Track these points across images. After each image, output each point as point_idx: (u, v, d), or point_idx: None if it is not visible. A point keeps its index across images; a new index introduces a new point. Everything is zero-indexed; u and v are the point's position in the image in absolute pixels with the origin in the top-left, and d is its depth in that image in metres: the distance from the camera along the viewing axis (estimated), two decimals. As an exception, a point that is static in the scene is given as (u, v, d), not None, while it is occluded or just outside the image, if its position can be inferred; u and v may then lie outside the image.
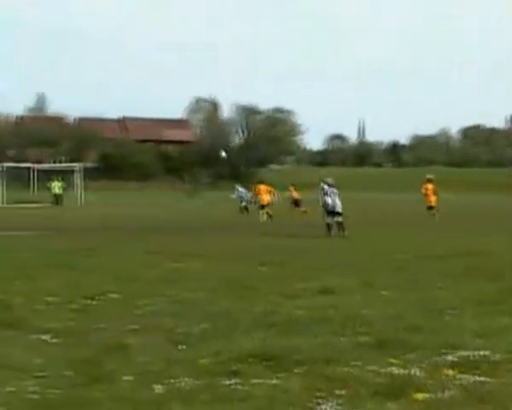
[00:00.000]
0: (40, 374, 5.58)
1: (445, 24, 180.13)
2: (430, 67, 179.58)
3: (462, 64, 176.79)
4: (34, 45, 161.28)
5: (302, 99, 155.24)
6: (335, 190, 21.97)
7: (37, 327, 7.25)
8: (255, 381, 5.43)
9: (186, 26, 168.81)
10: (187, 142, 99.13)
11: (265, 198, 32.27)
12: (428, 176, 34.21)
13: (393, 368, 5.75)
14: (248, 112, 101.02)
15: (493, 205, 44.51)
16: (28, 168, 57.06)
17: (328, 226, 21.15)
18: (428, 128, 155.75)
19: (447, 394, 5.08)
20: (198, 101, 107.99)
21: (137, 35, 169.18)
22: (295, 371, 5.71)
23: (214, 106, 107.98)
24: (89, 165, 77.30)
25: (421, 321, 7.53)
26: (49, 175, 50.91)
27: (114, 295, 9.26)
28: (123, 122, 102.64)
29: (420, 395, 5.05)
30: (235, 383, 5.37)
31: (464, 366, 5.78)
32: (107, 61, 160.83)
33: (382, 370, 5.70)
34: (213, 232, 22.56)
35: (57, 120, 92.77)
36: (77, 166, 54.15)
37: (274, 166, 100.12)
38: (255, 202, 33.74)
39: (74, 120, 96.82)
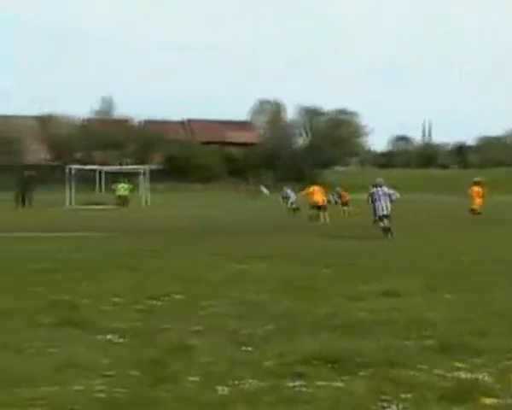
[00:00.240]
0: (107, 373, 5.66)
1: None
2: (500, 68, 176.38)
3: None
4: (101, 50, 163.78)
5: (366, 100, 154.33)
6: (386, 190, 21.92)
7: (103, 327, 7.34)
8: (320, 383, 5.41)
9: (256, 29, 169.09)
10: (251, 144, 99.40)
11: (320, 199, 32.00)
12: (476, 179, 33.96)
13: (460, 372, 5.67)
14: (312, 113, 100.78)
15: None
16: (94, 170, 57.94)
17: (385, 229, 21.13)
18: (496, 129, 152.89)
19: (516, 399, 4.99)
20: (262, 102, 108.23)
21: (215, 37, 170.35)
22: (360, 373, 5.68)
23: (278, 108, 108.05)
24: (154, 167, 78.18)
25: (486, 325, 7.41)
26: (114, 177, 51.62)
27: (179, 296, 9.33)
28: (187, 124, 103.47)
29: (488, 400, 4.97)
30: (300, 385, 5.36)
31: (533, 370, 5.67)
32: (172, 64, 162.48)
33: (448, 374, 5.63)
34: (276, 234, 22.55)
35: (123, 123, 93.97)
36: (142, 168, 54.77)
37: (338, 168, 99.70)
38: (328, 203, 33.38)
39: (140, 122, 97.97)
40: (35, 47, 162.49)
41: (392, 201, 21.78)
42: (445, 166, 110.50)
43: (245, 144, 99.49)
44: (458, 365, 5.88)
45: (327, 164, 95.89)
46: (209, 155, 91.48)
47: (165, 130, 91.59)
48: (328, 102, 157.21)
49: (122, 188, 47.62)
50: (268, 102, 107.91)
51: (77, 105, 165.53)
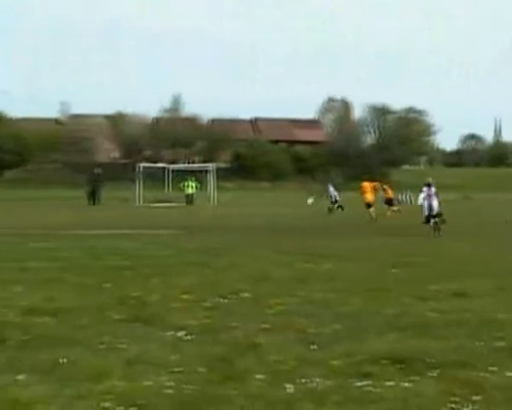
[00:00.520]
0: (175, 370, 5.71)
1: None
2: None
3: None
4: (172, 49, 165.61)
5: (435, 98, 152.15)
6: (433, 190, 22.45)
7: (172, 324, 7.41)
8: (387, 383, 5.36)
9: (330, 29, 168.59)
10: (318, 142, 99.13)
11: (369, 197, 31.68)
12: None
13: (532, 375, 5.55)
14: (380, 112, 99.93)
15: None
16: (163, 169, 58.50)
17: (436, 225, 21.63)
18: None
19: None
20: (330, 101, 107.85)
21: (273, 38, 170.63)
22: (428, 374, 5.61)
23: (346, 106, 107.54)
24: (221, 165, 78.61)
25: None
26: (182, 175, 52.03)
27: (246, 294, 9.36)
28: (255, 123, 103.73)
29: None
30: (368, 385, 5.32)
31: None
32: (240, 63, 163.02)
33: (521, 376, 5.52)
34: (343, 232, 22.42)
35: (191, 121, 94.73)
36: (210, 166, 55.08)
37: (406, 167, 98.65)
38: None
39: (208, 120, 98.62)
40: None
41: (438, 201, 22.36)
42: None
43: (313, 143, 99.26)
44: (530, 367, 5.77)
45: (395, 163, 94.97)
46: (277, 154, 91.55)
47: (233, 128, 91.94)
48: (396, 100, 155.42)
49: (190, 186, 47.98)
50: (336, 100, 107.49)
51: (147, 104, 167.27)
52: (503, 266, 12.90)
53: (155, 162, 63.86)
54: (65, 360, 5.88)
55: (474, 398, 4.99)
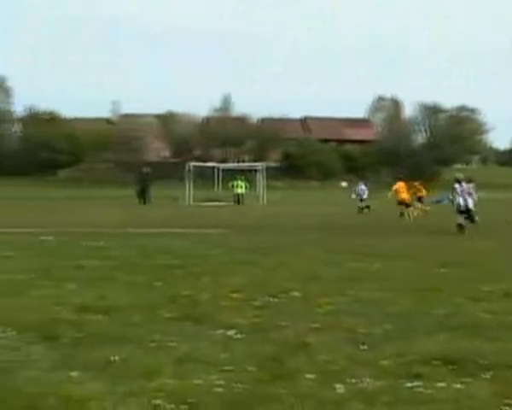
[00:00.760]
0: (225, 369, 5.73)
1: None
2: None
3: None
4: (220, 48, 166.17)
5: (489, 96, 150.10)
6: (464, 186, 22.53)
7: (222, 323, 7.44)
8: (439, 384, 5.32)
9: (376, 27, 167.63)
10: (368, 141, 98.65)
11: (404, 196, 31.51)
12: None
13: None
14: (432, 110, 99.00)
15: None
16: (212, 168, 58.81)
17: (461, 226, 21.65)
18: None
19: None
20: (380, 100, 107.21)
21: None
22: (481, 376, 5.54)
23: (396, 105, 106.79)
24: (271, 164, 78.67)
25: None
26: (232, 175, 52.23)
27: (296, 294, 9.35)
28: (305, 122, 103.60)
29: None
30: (418, 386, 5.28)
31: None
32: (287, 62, 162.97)
33: None
34: (388, 231, 22.27)
35: (241, 121, 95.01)
36: (259, 165, 55.17)
37: (458, 166, 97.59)
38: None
39: (258, 120, 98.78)
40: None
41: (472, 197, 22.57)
42: None
43: (363, 142, 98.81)
44: None
45: (446, 162, 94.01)
46: (327, 153, 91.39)
47: (282, 127, 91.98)
48: (447, 99, 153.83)
49: (239, 186, 48.13)
50: (386, 99, 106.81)
51: (197, 103, 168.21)
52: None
53: (205, 161, 64.20)
54: (117, 358, 5.95)
55: (528, 401, 4.93)
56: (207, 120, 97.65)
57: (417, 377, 5.51)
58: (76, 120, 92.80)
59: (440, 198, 42.60)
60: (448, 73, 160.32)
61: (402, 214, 30.37)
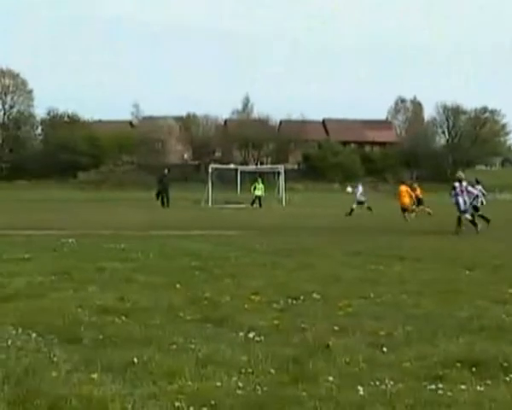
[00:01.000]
0: (246, 371, 5.73)
1: None
2: None
3: None
4: (239, 51, 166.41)
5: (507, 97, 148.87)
6: (464, 185, 23.01)
7: (242, 325, 7.43)
8: (461, 387, 5.29)
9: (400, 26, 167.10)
10: (389, 143, 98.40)
11: (405, 201, 31.96)
12: None
13: None
14: (453, 112, 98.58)
15: None
16: (232, 170, 58.90)
17: (459, 220, 22.35)
18: None
19: None
20: (401, 101, 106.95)
21: (343, 32, 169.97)
22: (505, 379, 5.50)
23: (417, 106, 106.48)
24: (290, 166, 78.66)
25: None
26: (252, 177, 52.27)
27: (316, 296, 9.32)
28: (325, 124, 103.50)
29: None
30: (440, 389, 5.25)
31: None
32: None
33: None
34: (411, 233, 22.20)
35: (262, 123, 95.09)
36: (280, 167, 55.16)
37: (482, 168, 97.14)
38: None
39: (278, 122, 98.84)
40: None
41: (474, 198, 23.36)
42: None
43: (383, 143, 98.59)
44: None
45: (468, 163, 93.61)
46: (347, 155, 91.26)
47: (303, 129, 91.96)
48: (466, 100, 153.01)
49: (257, 188, 48.09)
50: (407, 100, 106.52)
51: (218, 105, 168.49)
52: None
53: (226, 164, 64.30)
54: (138, 360, 5.96)
55: (552, 404, 4.89)
56: (228, 123, 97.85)
57: (439, 379, 5.48)
58: (97, 122, 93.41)
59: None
60: (448, 72, 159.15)
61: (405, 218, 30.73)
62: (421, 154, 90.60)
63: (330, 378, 5.53)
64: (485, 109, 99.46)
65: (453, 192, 23.06)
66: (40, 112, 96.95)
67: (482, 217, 25.66)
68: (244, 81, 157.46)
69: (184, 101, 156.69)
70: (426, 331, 7.16)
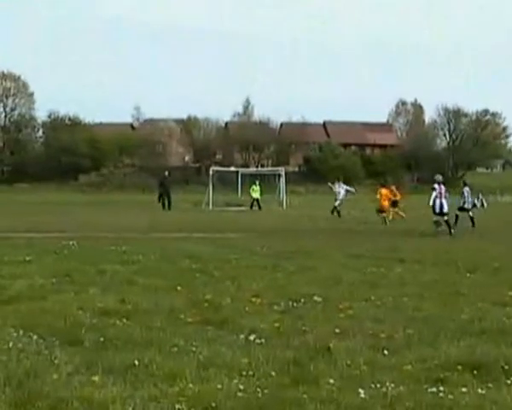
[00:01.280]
0: (247, 373, 5.73)
1: None
2: None
3: None
4: (239, 51, 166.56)
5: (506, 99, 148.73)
6: (443, 188, 23.65)
7: (243, 327, 7.43)
8: (462, 390, 5.29)
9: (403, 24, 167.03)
10: (390, 145, 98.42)
11: (384, 204, 32.32)
12: None
13: None
14: (454, 114, 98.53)
15: None
16: (233, 172, 58.91)
17: (436, 223, 23.09)
18: None
19: None
20: (401, 104, 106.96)
21: (343, 33, 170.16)
22: (506, 381, 5.50)
23: (418, 109, 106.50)
24: (291, 169, 78.65)
25: None
26: (252, 179, 52.24)
27: (317, 298, 9.32)
28: (325, 126, 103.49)
29: None
30: (441, 391, 5.25)
31: None
32: (287, 62, 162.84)
33: None
34: (411, 235, 22.22)
35: (262, 125, 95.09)
36: (280, 169, 55.15)
37: (482, 170, 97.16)
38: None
39: (279, 124, 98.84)
40: (151, 46, 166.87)
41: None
42: None
43: (384, 146, 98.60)
44: None
45: (469, 166, 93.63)
46: (348, 157, 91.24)
47: (303, 132, 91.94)
48: (467, 101, 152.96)
49: (255, 191, 48.05)
50: (407, 103, 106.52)
51: (218, 106, 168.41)
52: None
53: (226, 166, 64.31)
54: (139, 362, 5.96)
55: (553, 407, 4.89)
56: (229, 125, 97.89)
57: (440, 382, 5.48)
58: (98, 125, 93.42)
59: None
60: (448, 73, 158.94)
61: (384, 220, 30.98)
62: (422, 156, 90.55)
63: (331, 381, 5.53)
64: (486, 112, 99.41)
65: (434, 194, 23.67)
66: (41, 114, 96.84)
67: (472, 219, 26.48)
68: (244, 82, 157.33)
69: (185, 101, 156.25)
70: (427, 334, 7.16)
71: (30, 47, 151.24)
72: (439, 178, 24.39)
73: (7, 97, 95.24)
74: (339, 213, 35.38)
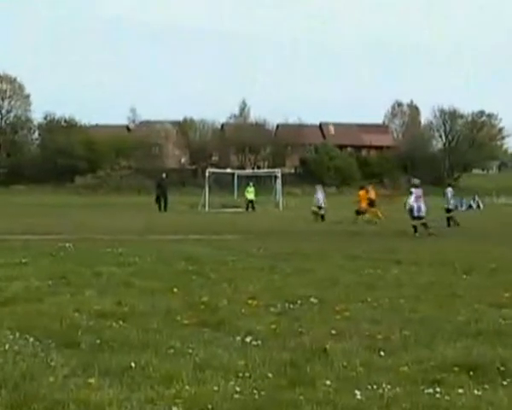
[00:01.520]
0: (243, 375, 5.73)
1: None
2: None
3: None
4: (239, 51, 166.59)
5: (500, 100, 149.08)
6: (419, 191, 24.11)
7: (240, 329, 7.42)
8: (458, 391, 5.29)
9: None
10: (386, 147, 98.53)
11: (363, 205, 33.21)
12: None
13: None
14: (450, 116, 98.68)
15: None
16: (229, 174, 58.95)
17: (415, 228, 23.25)
18: None
19: None
20: (397, 105, 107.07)
21: (342, 34, 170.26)
22: (502, 383, 5.51)
23: (414, 110, 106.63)
24: (287, 170, 78.66)
25: None
26: (248, 181, 52.28)
27: (314, 300, 9.32)
28: (322, 128, 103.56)
29: None
30: (438, 393, 5.26)
31: None
32: (287, 62, 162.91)
33: None
34: (407, 237, 22.25)
35: (259, 127, 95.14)
36: (277, 171, 55.20)
37: (478, 172, 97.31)
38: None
39: (275, 126, 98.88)
40: (151, 46, 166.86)
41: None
42: None
43: (380, 147, 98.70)
44: None
45: (465, 167, 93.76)
46: (344, 159, 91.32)
47: (299, 133, 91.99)
48: (464, 102, 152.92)
49: (249, 192, 48.07)
50: (403, 104, 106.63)
51: (216, 106, 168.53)
52: None
53: (222, 168, 64.33)
54: (135, 364, 5.96)
55: (549, 408, 4.89)
56: (225, 127, 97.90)
57: (436, 383, 5.49)
58: (94, 127, 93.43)
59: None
60: (447, 73, 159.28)
61: (356, 221, 31.43)
62: (418, 158, 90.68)
63: (328, 382, 5.53)
64: (482, 113, 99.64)
65: (412, 198, 23.96)
66: (37, 116, 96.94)
67: (454, 219, 26.81)
68: (244, 82, 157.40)
69: (184, 102, 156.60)
70: (423, 335, 7.16)
71: (29, 47, 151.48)
72: (416, 181, 24.92)
73: (3, 99, 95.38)
74: (322, 216, 35.03)
